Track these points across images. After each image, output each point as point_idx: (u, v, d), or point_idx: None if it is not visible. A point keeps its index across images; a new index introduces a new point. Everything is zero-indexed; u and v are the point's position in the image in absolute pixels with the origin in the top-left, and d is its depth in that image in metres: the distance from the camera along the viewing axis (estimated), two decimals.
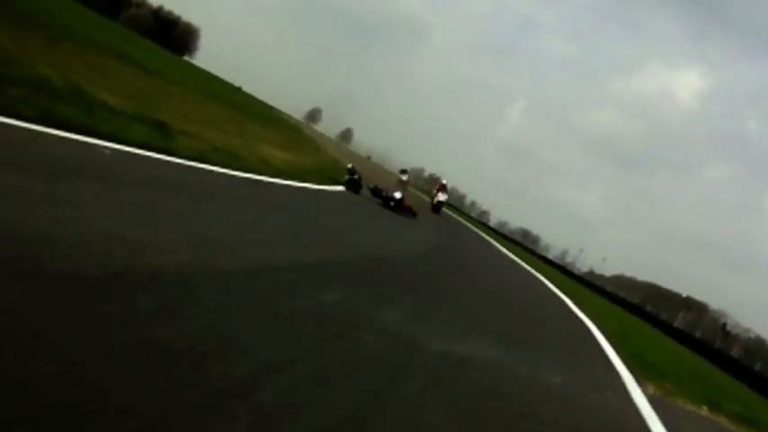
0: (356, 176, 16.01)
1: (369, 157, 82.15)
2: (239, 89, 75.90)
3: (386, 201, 15.64)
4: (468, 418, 3.20)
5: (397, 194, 16.12)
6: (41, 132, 5.53)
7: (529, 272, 21.07)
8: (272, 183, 10.09)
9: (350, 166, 16.69)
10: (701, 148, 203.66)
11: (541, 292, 15.09)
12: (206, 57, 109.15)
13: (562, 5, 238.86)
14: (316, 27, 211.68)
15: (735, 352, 35.44)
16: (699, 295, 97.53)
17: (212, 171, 8.10)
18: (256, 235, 5.74)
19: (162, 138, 8.47)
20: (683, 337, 27.75)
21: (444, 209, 30.75)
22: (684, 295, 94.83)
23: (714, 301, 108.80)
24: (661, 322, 33.58)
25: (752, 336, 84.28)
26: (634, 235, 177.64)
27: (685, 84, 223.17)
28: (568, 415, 4.19)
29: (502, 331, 6.57)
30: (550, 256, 79.87)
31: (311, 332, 3.48)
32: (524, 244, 74.93)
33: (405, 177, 18.01)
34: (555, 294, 15.65)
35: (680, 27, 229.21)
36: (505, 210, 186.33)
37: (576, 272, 64.29)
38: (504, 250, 29.57)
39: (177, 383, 2.18)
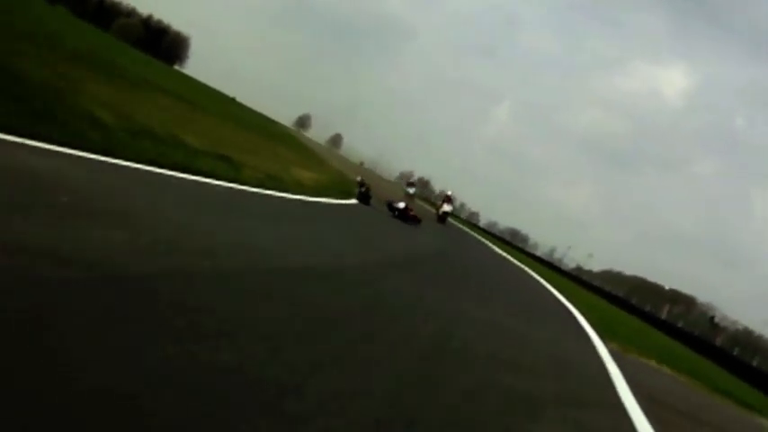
0: (364, 189, 18.36)
1: (361, 164, 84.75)
2: (233, 99, 77.80)
3: (397, 213, 17.92)
4: (489, 343, 5.68)
5: (401, 204, 18.45)
6: (184, 178, 7.90)
7: (520, 267, 23.71)
8: (314, 202, 12.50)
9: (359, 179, 19.03)
10: (687, 145, 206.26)
11: (529, 283, 17.69)
12: (194, 63, 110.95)
13: (546, 4, 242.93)
14: (301, 32, 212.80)
15: (719, 342, 38.03)
16: (687, 289, 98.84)
17: (274, 196, 10.49)
18: (328, 244, 8.17)
19: (234, 170, 10.84)
20: (666, 328, 30.42)
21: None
22: (668, 288, 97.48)
23: (702, 294, 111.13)
24: (641, 311, 36.47)
25: (740, 327, 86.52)
26: (622, 231, 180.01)
27: (671, 81, 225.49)
28: (550, 351, 6.70)
29: (503, 306, 9.08)
30: (539, 253, 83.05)
31: (398, 299, 5.94)
32: (513, 243, 77.94)
33: (411, 191, 20.39)
34: (541, 284, 18.26)
35: (664, 23, 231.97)
36: (495, 210, 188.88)
37: (563, 268, 67.38)
38: (497, 249, 32.30)
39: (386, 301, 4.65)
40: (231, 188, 8.80)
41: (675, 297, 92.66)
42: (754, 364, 27.11)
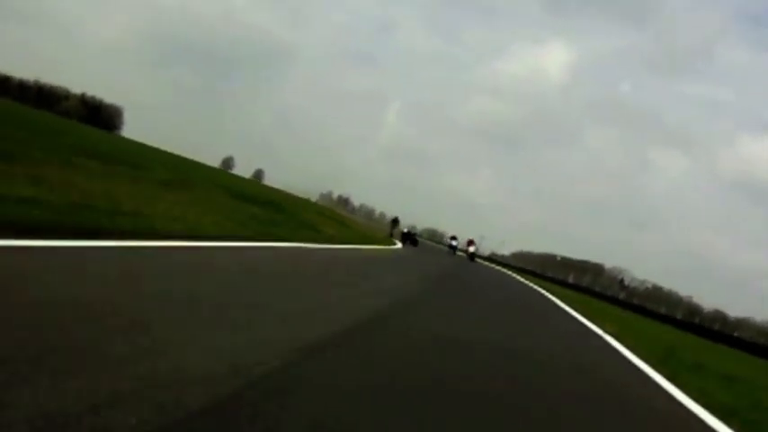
0: (394, 223, 34.92)
1: (308, 200, 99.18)
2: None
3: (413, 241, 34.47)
4: (484, 280, 23.00)
5: (454, 242, 35.32)
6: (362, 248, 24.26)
7: (461, 256, 41.94)
8: (392, 249, 28.95)
9: (395, 216, 35.62)
10: (579, 118, 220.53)
11: (472, 263, 35.54)
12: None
13: (417, 3, 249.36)
14: (189, 73, 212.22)
15: (623, 296, 54.22)
16: (597, 258, 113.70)
17: (395, 248, 26.88)
18: (442, 262, 24.87)
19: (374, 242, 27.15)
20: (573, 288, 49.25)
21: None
22: (577, 259, 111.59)
23: (611, 260, 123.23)
24: (543, 275, 56.36)
25: (648, 286, 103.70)
26: (531, 212, 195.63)
27: (554, 58, 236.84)
28: (500, 279, 24.19)
29: (471, 274, 26.43)
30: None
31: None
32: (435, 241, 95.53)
33: (455, 243, 36.16)
34: (484, 264, 36.26)
35: (536, 2, 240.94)
36: (409, 214, 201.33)
37: (481, 255, 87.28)
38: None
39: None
40: (381, 249, 25.33)
41: (584, 266, 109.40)
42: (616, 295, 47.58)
